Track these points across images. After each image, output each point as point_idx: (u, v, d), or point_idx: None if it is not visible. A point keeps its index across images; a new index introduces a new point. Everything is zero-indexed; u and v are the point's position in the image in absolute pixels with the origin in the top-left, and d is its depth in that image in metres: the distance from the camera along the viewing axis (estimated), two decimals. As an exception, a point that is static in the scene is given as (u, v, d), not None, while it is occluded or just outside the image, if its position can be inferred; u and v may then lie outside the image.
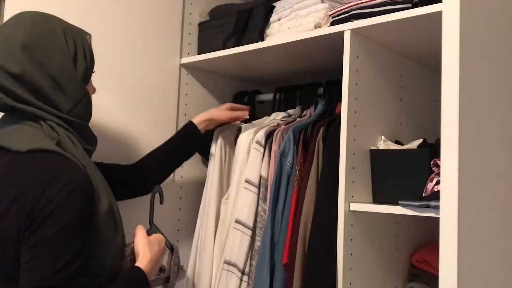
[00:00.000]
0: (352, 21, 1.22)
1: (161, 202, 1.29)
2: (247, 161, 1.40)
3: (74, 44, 1.03)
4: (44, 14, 1.03)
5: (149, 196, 1.30)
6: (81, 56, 1.04)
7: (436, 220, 1.00)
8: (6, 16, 1.19)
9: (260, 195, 1.36)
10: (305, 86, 1.59)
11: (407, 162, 1.21)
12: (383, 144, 1.30)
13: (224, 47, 1.56)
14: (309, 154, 1.30)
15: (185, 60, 1.65)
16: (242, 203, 1.37)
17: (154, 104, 1.57)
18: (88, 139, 1.07)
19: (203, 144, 1.52)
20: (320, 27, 1.33)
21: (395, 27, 1.18)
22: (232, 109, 1.57)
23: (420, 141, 1.27)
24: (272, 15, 1.49)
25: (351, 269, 1.19)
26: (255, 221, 1.35)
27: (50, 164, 0.91)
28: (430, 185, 1.13)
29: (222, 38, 1.59)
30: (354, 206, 1.19)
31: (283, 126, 1.41)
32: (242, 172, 1.41)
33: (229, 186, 1.48)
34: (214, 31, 1.66)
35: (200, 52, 1.70)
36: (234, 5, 1.71)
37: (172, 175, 1.53)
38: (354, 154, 1.22)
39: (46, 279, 0.84)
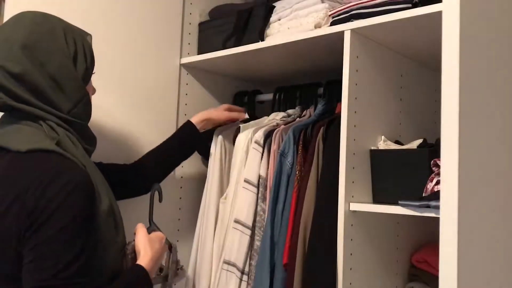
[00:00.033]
0: (352, 21, 1.22)
1: (160, 200, 1.30)
2: (246, 160, 1.40)
3: (74, 44, 1.03)
4: (44, 14, 1.03)
5: (148, 195, 1.30)
6: (81, 56, 1.05)
7: (436, 220, 1.00)
8: (6, 16, 1.18)
9: (259, 195, 1.36)
10: (305, 86, 1.58)
11: (407, 162, 1.21)
12: (383, 144, 1.30)
13: (224, 47, 1.56)
14: (309, 154, 1.30)
15: (185, 60, 1.65)
16: (241, 203, 1.37)
17: (154, 104, 1.57)
18: (88, 139, 1.07)
19: (202, 143, 1.52)
20: (320, 27, 1.33)
21: (395, 27, 1.18)
22: (229, 110, 1.58)
23: (420, 141, 1.27)
24: (272, 15, 1.49)
25: (351, 269, 1.19)
26: (254, 220, 1.35)
27: (50, 164, 0.91)
28: (430, 185, 1.13)
29: (222, 38, 1.59)
30: (354, 206, 1.19)
31: (282, 126, 1.41)
32: (241, 172, 1.41)
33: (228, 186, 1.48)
34: (214, 31, 1.66)
35: (200, 52, 1.70)
36: (234, 5, 1.71)
37: (172, 175, 1.53)
38: (354, 154, 1.22)
39: (47, 279, 0.84)
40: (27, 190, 0.87)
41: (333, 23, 1.28)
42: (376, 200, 1.27)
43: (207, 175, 1.54)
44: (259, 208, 1.35)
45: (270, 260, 1.27)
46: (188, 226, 1.63)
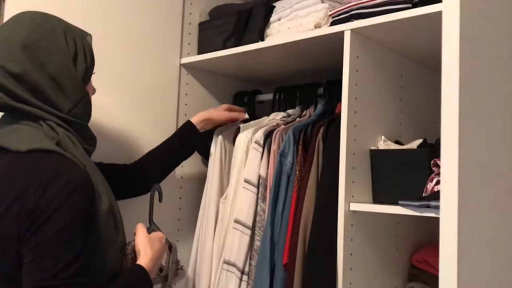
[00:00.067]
0: (352, 21, 1.22)
1: (160, 200, 1.30)
2: (246, 160, 1.40)
3: (74, 44, 1.03)
4: (44, 14, 1.03)
5: (148, 195, 1.30)
6: (81, 56, 1.05)
7: (436, 220, 1.00)
8: (6, 16, 1.19)
9: (259, 195, 1.36)
10: (305, 86, 1.58)
11: (407, 162, 1.21)
12: (383, 144, 1.30)
13: (224, 47, 1.56)
14: (309, 154, 1.30)
15: (185, 60, 1.65)
16: (241, 203, 1.37)
17: (154, 104, 1.57)
18: (88, 139, 1.07)
19: (202, 143, 1.52)
20: (320, 27, 1.33)
21: (395, 27, 1.18)
22: (229, 110, 1.58)
23: (420, 141, 1.27)
24: (272, 15, 1.49)
25: (351, 269, 1.19)
26: (254, 220, 1.35)
27: (50, 164, 0.91)
28: (430, 185, 1.13)
29: (222, 38, 1.59)
30: (354, 206, 1.19)
31: (282, 126, 1.41)
32: (241, 172, 1.41)
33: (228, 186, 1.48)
34: (214, 31, 1.66)
35: (200, 52, 1.70)
36: (234, 5, 1.71)
37: (172, 175, 1.53)
38: (354, 154, 1.22)
39: (47, 279, 0.84)
40: (27, 190, 0.87)
41: (333, 23, 1.28)
42: (376, 200, 1.27)
43: (207, 175, 1.54)
44: (259, 208, 1.35)
45: (270, 260, 1.27)
46: (188, 226, 1.63)
